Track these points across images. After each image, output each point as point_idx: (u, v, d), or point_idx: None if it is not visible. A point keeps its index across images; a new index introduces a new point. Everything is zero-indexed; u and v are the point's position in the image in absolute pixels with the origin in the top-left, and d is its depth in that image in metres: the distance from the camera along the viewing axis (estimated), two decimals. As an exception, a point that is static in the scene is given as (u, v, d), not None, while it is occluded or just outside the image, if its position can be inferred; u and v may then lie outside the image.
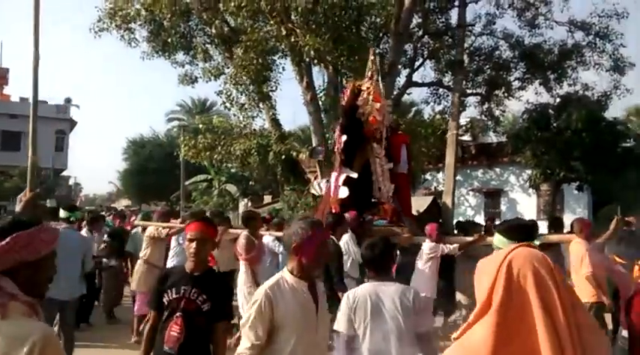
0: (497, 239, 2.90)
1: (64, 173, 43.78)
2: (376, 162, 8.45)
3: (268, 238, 8.20)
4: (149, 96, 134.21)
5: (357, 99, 8.35)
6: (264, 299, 2.78)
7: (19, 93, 51.01)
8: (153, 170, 37.74)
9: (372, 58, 9.04)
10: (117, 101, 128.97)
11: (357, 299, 3.51)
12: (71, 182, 48.03)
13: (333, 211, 7.71)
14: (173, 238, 8.12)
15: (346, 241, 6.75)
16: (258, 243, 7.06)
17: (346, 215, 7.27)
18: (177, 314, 3.36)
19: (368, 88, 8.45)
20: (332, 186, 8.24)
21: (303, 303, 2.85)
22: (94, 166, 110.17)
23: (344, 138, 8.27)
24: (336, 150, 8.48)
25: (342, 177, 8.18)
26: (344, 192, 8.05)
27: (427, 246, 7.49)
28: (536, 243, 2.94)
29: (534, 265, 1.75)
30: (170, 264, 7.91)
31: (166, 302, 3.43)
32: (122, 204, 45.01)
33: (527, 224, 2.99)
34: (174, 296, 3.41)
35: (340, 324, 3.54)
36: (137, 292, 7.90)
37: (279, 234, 7.81)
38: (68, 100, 42.37)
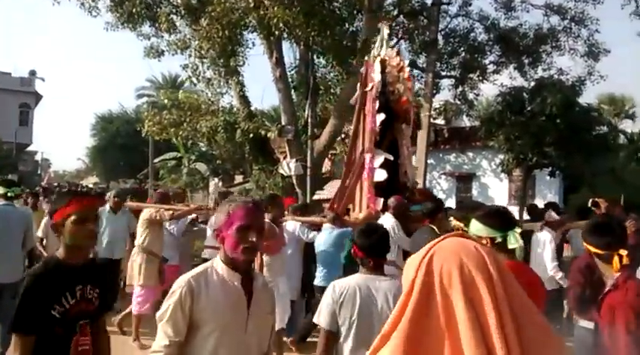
0: (474, 226, 2.76)
1: (30, 148, 42.59)
2: (403, 144, 8.11)
3: (293, 224, 7.20)
4: (119, 71, 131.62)
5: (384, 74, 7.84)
6: (185, 289, 2.29)
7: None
8: (121, 147, 36.87)
9: (387, 31, 8.55)
10: (86, 76, 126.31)
11: (345, 291, 3.03)
12: (38, 157, 46.82)
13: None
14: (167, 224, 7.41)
15: (392, 227, 6.19)
16: (279, 230, 6.15)
17: (391, 199, 6.81)
18: (81, 322, 2.61)
19: (399, 64, 7.96)
20: (366, 167, 7.65)
21: (230, 297, 2.36)
22: (63, 142, 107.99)
23: (381, 116, 7.65)
24: (368, 129, 7.76)
25: (380, 159, 7.61)
26: (381, 175, 7.53)
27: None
28: (517, 230, 2.68)
29: (461, 259, 1.33)
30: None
31: (60, 315, 2.52)
32: (90, 181, 44.04)
33: (506, 211, 2.85)
34: (71, 302, 2.57)
35: (321, 318, 3.08)
36: (141, 287, 6.77)
37: (305, 219, 7.39)
38: (33, 73, 41.01)
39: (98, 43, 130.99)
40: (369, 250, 3.14)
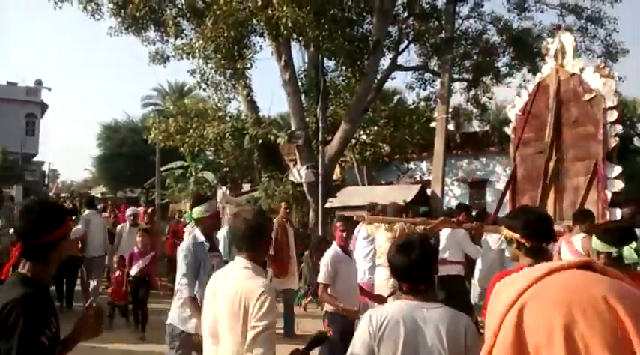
0: (594, 243, 2.85)
1: (37, 158, 42.35)
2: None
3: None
4: (125, 80, 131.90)
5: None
6: None
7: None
8: (127, 156, 36.53)
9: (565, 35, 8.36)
10: (92, 85, 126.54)
11: (385, 323, 2.42)
12: (45, 168, 46.63)
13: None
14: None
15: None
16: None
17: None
18: (57, 347, 2.33)
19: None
20: (600, 178, 7.39)
21: None
22: (70, 152, 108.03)
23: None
24: (598, 139, 7.54)
25: (617, 168, 7.40)
26: (618, 186, 7.32)
27: None
28: (633, 245, 2.43)
29: (572, 315, 0.93)
30: None
31: (47, 340, 2.19)
32: (98, 191, 43.79)
33: (627, 226, 2.82)
34: (55, 324, 2.28)
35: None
36: None
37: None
38: (39, 82, 40.87)
39: (105, 53, 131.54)
40: (400, 272, 2.56)
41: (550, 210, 7.76)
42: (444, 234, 7.29)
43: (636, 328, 0.91)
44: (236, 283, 2.79)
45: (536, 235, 2.68)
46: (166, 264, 11.96)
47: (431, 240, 5.93)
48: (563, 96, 7.99)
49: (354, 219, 7.58)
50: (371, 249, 6.69)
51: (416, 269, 2.51)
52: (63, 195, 24.71)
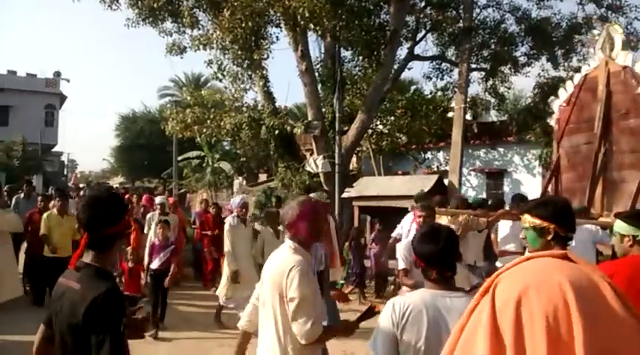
0: (618, 225, 2.98)
1: (56, 149, 42.82)
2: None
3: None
4: (143, 71, 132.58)
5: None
6: None
7: (6, 66, 50.05)
8: (144, 146, 36.85)
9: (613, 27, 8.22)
10: (110, 76, 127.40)
11: (408, 311, 2.42)
12: (64, 158, 47.16)
13: None
14: None
15: None
16: None
17: None
18: None
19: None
20: None
21: None
22: (88, 142, 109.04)
23: None
24: None
25: None
26: None
27: None
28: None
29: (528, 292, 1.02)
30: None
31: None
32: (116, 181, 44.23)
33: None
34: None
35: (378, 344, 2.50)
36: None
37: None
38: (58, 74, 41.23)
39: (122, 44, 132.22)
40: (431, 259, 2.54)
41: (598, 201, 7.82)
42: (506, 225, 7.30)
43: (579, 311, 0.97)
44: (277, 261, 3.13)
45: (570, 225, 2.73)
46: (192, 254, 12.04)
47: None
48: (613, 88, 7.95)
49: (409, 209, 7.79)
50: None
51: (446, 255, 2.54)
52: (81, 185, 24.98)
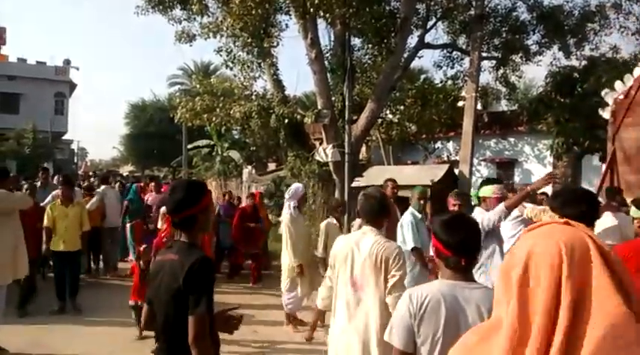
0: (633, 210, 3.27)
1: (66, 137, 43.00)
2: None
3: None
4: (152, 59, 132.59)
5: None
6: None
7: (17, 53, 50.13)
8: (154, 135, 36.94)
9: None
10: (120, 65, 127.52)
11: (426, 302, 2.39)
12: (74, 146, 47.36)
13: None
14: None
15: None
16: None
17: None
18: None
19: None
20: None
21: None
22: (99, 130, 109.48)
23: None
24: None
25: None
26: None
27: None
28: None
29: (533, 249, 1.19)
30: None
31: None
32: (126, 169, 44.40)
33: None
34: None
35: (394, 335, 2.47)
36: None
37: None
38: (67, 62, 41.30)
39: (132, 32, 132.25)
40: (460, 247, 2.44)
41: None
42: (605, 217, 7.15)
43: (568, 269, 1.10)
44: (374, 246, 3.59)
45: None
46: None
47: None
48: None
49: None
50: (519, 229, 6.48)
51: (469, 243, 2.48)
52: (90, 173, 25.07)
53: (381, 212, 3.80)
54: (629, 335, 1.05)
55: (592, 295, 1.09)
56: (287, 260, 7.34)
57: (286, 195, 7.58)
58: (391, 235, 6.10)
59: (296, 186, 7.74)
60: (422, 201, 6.65)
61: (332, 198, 8.70)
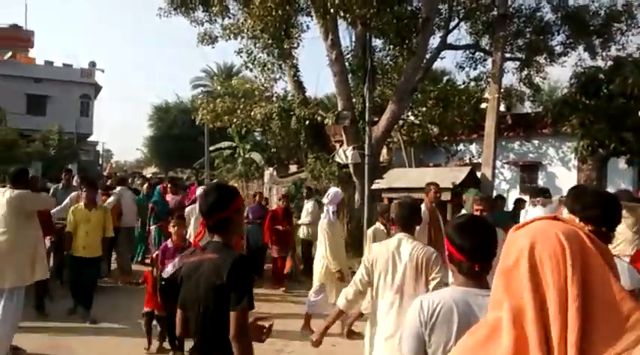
0: None
1: (91, 139, 43.55)
2: None
3: None
4: (176, 62, 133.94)
5: None
6: None
7: (44, 56, 50.88)
8: (177, 137, 37.27)
9: None
10: (145, 68, 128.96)
11: (438, 309, 2.28)
12: (99, 148, 47.98)
13: None
14: None
15: None
16: None
17: None
18: None
19: None
20: None
21: None
22: (122, 133, 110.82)
23: None
24: None
25: None
26: None
27: None
28: None
29: (535, 242, 1.23)
30: None
31: None
32: (150, 171, 44.85)
33: None
34: None
35: (404, 343, 2.38)
36: None
37: None
38: (93, 64, 41.85)
39: (156, 36, 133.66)
40: (474, 252, 2.31)
41: None
42: None
43: (572, 257, 1.14)
44: (414, 250, 3.80)
45: None
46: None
47: None
48: None
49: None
50: None
51: (485, 248, 2.34)
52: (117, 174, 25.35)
53: (414, 218, 4.08)
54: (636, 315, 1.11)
55: (594, 283, 1.13)
56: (319, 264, 7.23)
57: (324, 200, 7.44)
58: (437, 239, 6.10)
59: (335, 190, 7.58)
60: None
61: (379, 204, 8.48)
